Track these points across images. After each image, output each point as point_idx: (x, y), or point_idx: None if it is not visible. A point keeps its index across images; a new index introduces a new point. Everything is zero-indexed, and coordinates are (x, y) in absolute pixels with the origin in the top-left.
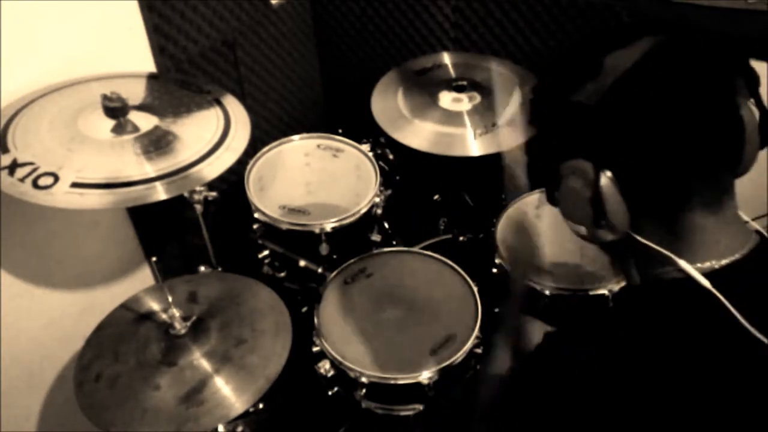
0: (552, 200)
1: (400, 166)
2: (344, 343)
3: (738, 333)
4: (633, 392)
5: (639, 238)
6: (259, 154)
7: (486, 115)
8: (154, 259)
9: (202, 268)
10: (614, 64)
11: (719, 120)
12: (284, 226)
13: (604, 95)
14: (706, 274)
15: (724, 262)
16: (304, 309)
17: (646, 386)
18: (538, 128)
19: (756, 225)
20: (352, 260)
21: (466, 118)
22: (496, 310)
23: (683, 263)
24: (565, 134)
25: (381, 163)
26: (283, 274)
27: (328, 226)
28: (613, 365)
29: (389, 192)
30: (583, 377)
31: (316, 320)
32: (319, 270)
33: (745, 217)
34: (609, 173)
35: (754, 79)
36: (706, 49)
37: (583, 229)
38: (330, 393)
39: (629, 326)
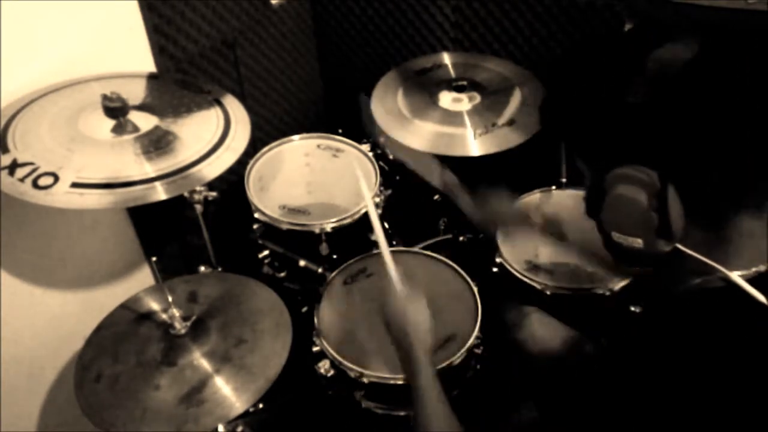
0: (593, 212)
1: (400, 166)
2: (344, 343)
3: None
4: (672, 402)
5: (688, 250)
6: (259, 154)
7: (486, 115)
8: (154, 259)
9: (202, 268)
10: (662, 61)
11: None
12: (284, 226)
13: (655, 93)
14: (753, 279)
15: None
16: (304, 309)
17: (688, 395)
18: (575, 134)
19: None
20: (352, 260)
21: (466, 118)
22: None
23: (734, 276)
24: (612, 138)
25: (381, 163)
26: (283, 274)
27: (328, 226)
28: (657, 377)
29: (389, 192)
30: (625, 389)
31: (316, 320)
32: (319, 270)
33: None
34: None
35: None
36: (761, 48)
37: (639, 242)
38: (330, 393)
39: (672, 337)
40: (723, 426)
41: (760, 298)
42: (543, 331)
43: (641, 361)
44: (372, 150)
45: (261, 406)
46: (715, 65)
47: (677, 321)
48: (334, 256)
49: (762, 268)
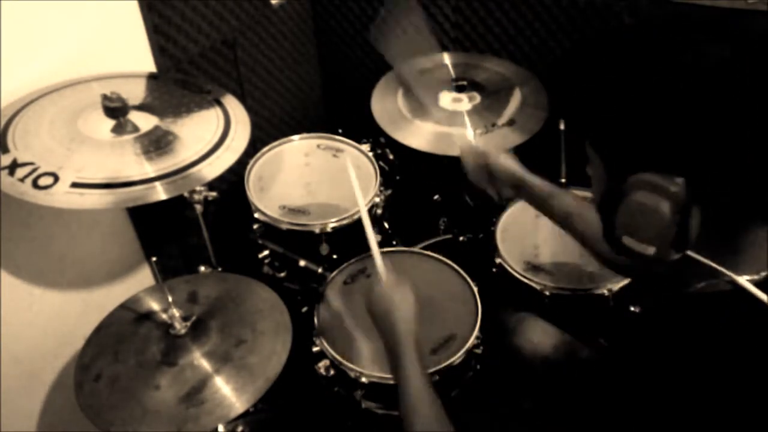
0: (605, 214)
1: (400, 166)
2: (344, 343)
3: None
4: (674, 405)
5: (698, 256)
6: (259, 154)
7: (486, 115)
8: (154, 259)
9: (202, 268)
10: (699, 62)
11: None
12: (284, 226)
13: (688, 96)
14: (760, 283)
15: None
16: (304, 309)
17: (690, 398)
18: (538, 137)
19: None
20: (352, 260)
21: (466, 118)
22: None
23: (741, 279)
24: (638, 141)
25: (381, 163)
26: (283, 274)
27: (328, 226)
28: (656, 379)
29: (389, 192)
30: (625, 392)
31: (316, 320)
32: (319, 270)
33: None
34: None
35: None
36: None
37: (651, 249)
38: (330, 393)
39: (676, 339)
40: (727, 429)
41: (763, 297)
42: (539, 336)
43: (642, 363)
44: (372, 150)
45: (261, 406)
46: (741, 71)
47: (682, 323)
48: (334, 256)
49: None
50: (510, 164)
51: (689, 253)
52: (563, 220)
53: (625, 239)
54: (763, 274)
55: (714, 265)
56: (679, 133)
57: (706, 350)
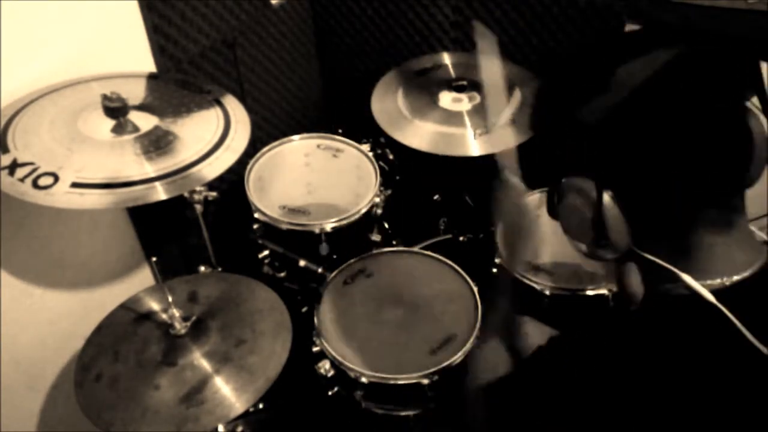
0: (553, 214)
1: (400, 166)
2: (344, 343)
3: (746, 350)
4: (636, 409)
5: (644, 254)
6: (259, 154)
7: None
8: (154, 259)
9: (202, 268)
10: (623, 79)
11: (729, 135)
12: (284, 226)
13: (611, 112)
14: (715, 291)
15: (735, 278)
16: (304, 309)
17: (650, 403)
18: (540, 136)
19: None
20: (352, 260)
21: (466, 118)
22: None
23: (687, 278)
24: (568, 148)
25: (381, 163)
26: (283, 274)
27: (328, 226)
28: (617, 381)
29: (389, 192)
30: (586, 393)
31: (316, 320)
32: (319, 270)
33: (761, 234)
34: (610, 193)
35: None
36: (718, 63)
37: (583, 247)
38: (330, 393)
39: (635, 342)
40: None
41: (713, 300)
42: (537, 339)
43: (619, 364)
44: (372, 150)
45: (261, 406)
46: (678, 81)
47: (649, 325)
48: (334, 256)
49: (726, 281)
50: None
51: (641, 253)
52: None
53: (569, 239)
54: (719, 281)
55: (667, 265)
56: (613, 140)
57: (667, 352)
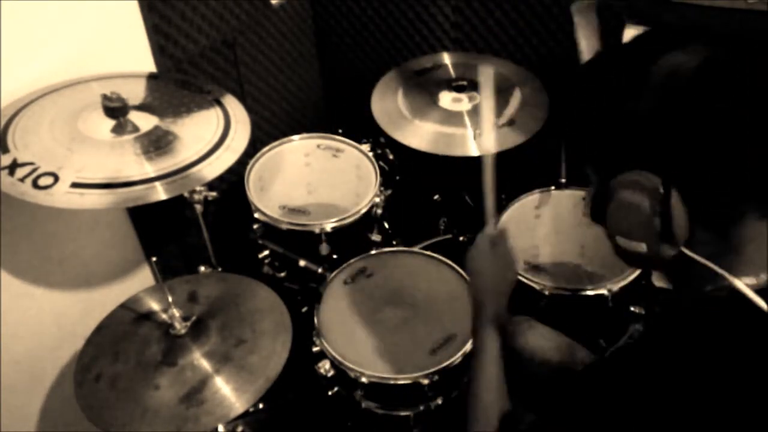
0: (598, 216)
1: (400, 166)
2: (344, 343)
3: None
4: (678, 415)
5: (693, 255)
6: (259, 154)
7: None
8: (154, 259)
9: (202, 268)
10: (668, 70)
11: None
12: (284, 226)
13: (660, 102)
14: (762, 290)
15: None
16: (304, 309)
17: (693, 409)
18: (579, 139)
19: None
20: (352, 260)
21: (466, 118)
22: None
23: (739, 284)
24: (616, 145)
25: (381, 163)
26: (283, 274)
27: (328, 226)
28: (661, 388)
29: (389, 192)
30: (629, 400)
31: (316, 320)
32: (319, 270)
33: None
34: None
35: None
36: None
37: (643, 246)
38: (330, 393)
39: (679, 347)
40: None
41: (763, 305)
42: (536, 340)
43: (644, 366)
44: (372, 150)
45: (261, 406)
46: (723, 72)
47: (684, 328)
48: (334, 256)
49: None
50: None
51: (689, 253)
52: None
53: (618, 239)
54: (763, 277)
55: (712, 265)
56: (658, 134)
57: (705, 356)
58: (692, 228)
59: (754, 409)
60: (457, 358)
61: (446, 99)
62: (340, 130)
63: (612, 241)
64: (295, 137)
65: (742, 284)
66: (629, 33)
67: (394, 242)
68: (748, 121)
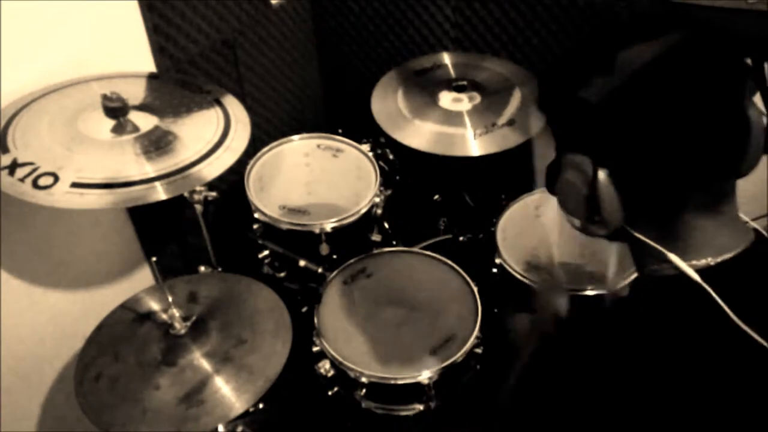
0: (551, 190)
1: (400, 166)
2: (344, 343)
3: (731, 330)
4: (625, 389)
5: (633, 232)
6: (259, 154)
7: (486, 115)
8: (154, 259)
9: (202, 268)
10: (626, 62)
11: (727, 122)
12: (284, 226)
13: (611, 92)
14: (701, 271)
15: (720, 259)
16: (304, 309)
17: (639, 383)
18: (545, 119)
19: (755, 224)
20: (352, 260)
21: (466, 118)
22: (496, 310)
23: (674, 257)
24: (568, 128)
25: (381, 163)
26: (283, 274)
27: (328, 226)
28: (607, 362)
29: (389, 192)
30: (579, 373)
31: (316, 320)
32: (319, 270)
33: (745, 218)
34: (605, 170)
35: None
36: (720, 50)
37: (577, 222)
38: (330, 393)
39: (625, 322)
40: (671, 412)
41: (699, 280)
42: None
43: (608, 350)
44: (372, 150)
45: (261, 406)
46: (680, 65)
47: (638, 307)
48: (334, 256)
49: (711, 261)
50: None
51: (632, 232)
52: None
53: (562, 213)
54: (704, 261)
55: (655, 245)
56: (611, 117)
57: (655, 334)
58: (638, 212)
59: (696, 383)
60: (457, 358)
61: (446, 99)
62: (340, 130)
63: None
64: (295, 137)
65: (678, 259)
66: None
67: (394, 242)
68: (694, 112)
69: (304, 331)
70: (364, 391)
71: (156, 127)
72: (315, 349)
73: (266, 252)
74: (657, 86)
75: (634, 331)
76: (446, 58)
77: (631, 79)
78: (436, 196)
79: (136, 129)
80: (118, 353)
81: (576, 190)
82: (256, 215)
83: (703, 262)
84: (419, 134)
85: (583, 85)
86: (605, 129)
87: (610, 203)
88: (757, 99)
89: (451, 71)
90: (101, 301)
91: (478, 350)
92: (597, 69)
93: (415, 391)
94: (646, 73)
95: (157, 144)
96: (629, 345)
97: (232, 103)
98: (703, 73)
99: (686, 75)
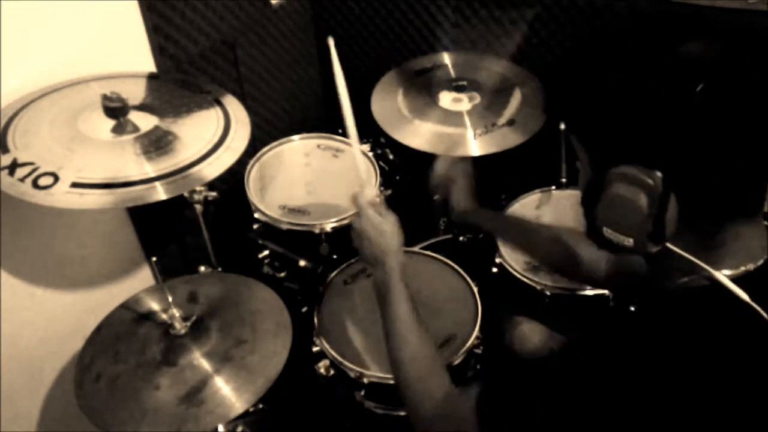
0: (588, 203)
1: (400, 166)
2: (344, 343)
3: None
4: (656, 402)
5: (678, 250)
6: (259, 154)
7: (486, 115)
8: (154, 259)
9: (202, 268)
10: (687, 57)
11: (760, 133)
12: (284, 226)
13: (676, 93)
14: (740, 279)
15: (759, 263)
16: (304, 309)
17: (671, 396)
18: (582, 124)
19: None
20: (352, 260)
21: (466, 118)
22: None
23: (718, 274)
24: (620, 134)
25: (381, 163)
26: (283, 274)
27: (328, 226)
28: (638, 376)
29: (389, 192)
30: (605, 388)
31: (316, 320)
32: (319, 270)
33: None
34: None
35: None
36: (759, 63)
37: (629, 241)
38: (330, 393)
39: (656, 336)
40: (707, 422)
41: (743, 295)
42: (538, 337)
43: (629, 360)
44: (372, 150)
45: (261, 406)
46: (733, 70)
47: (663, 319)
48: (334, 256)
49: (750, 267)
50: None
51: (669, 246)
52: (550, 245)
53: (605, 231)
54: (743, 269)
55: (692, 258)
56: (663, 127)
57: (686, 345)
58: (678, 226)
59: (730, 391)
60: (457, 358)
61: (446, 99)
62: (340, 130)
63: (595, 229)
64: (295, 137)
65: (720, 275)
66: None
67: None
68: (756, 118)
69: (304, 331)
70: (364, 391)
71: (156, 127)
72: (315, 349)
73: (266, 252)
74: (716, 91)
75: (667, 345)
76: (446, 58)
77: (688, 83)
78: (436, 196)
79: (136, 129)
80: (118, 353)
81: (634, 207)
82: (256, 215)
83: (742, 270)
84: (419, 134)
85: (633, 89)
86: (659, 136)
87: (672, 219)
88: None
89: (451, 71)
90: (101, 301)
91: (478, 350)
92: (652, 65)
93: None
94: (705, 78)
95: (157, 144)
96: (662, 360)
97: (232, 103)
98: (738, 84)
99: (745, 81)
